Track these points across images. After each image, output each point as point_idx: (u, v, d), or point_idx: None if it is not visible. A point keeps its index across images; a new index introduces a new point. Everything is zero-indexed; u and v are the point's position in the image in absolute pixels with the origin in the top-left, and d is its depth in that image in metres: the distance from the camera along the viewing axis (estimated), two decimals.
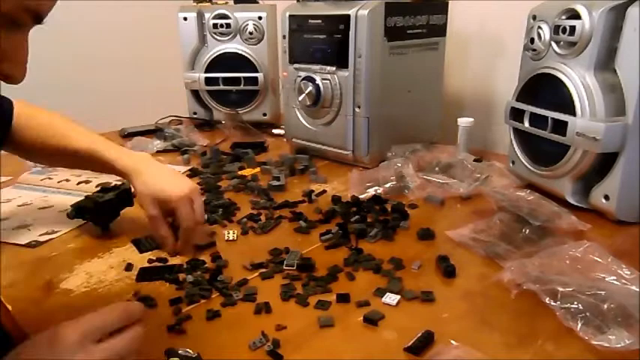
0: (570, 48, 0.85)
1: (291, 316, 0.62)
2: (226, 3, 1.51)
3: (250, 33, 1.45)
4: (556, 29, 0.87)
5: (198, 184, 1.05)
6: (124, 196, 0.86)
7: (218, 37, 1.47)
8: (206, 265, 0.73)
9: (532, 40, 0.92)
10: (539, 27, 0.91)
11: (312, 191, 0.99)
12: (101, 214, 0.83)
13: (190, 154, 1.25)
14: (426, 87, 1.21)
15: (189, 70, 1.49)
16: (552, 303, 0.60)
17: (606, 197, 0.84)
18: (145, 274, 0.71)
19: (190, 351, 0.54)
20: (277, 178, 1.05)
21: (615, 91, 0.80)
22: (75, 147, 0.82)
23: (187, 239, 0.76)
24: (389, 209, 0.91)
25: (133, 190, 0.81)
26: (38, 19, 0.45)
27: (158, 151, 1.30)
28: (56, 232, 0.85)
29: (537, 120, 0.91)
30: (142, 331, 0.50)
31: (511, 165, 1.02)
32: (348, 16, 1.05)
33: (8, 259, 0.76)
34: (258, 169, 1.14)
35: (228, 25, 1.45)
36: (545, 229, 0.78)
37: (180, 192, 0.76)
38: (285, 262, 0.73)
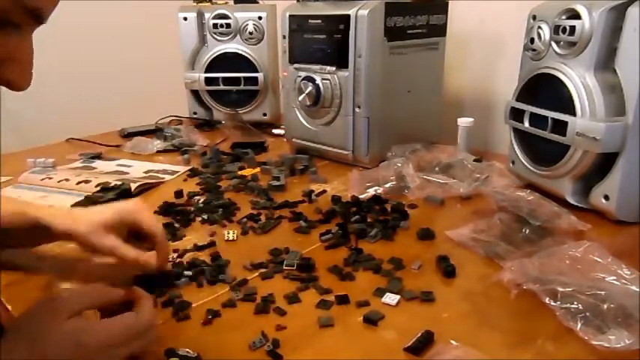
0: (570, 48, 0.85)
1: (291, 316, 0.62)
2: (226, 3, 1.51)
3: (250, 33, 1.45)
4: (556, 29, 0.87)
5: (198, 184, 1.06)
6: (123, 196, 0.86)
7: (218, 37, 1.47)
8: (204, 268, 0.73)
9: (532, 40, 0.92)
10: (539, 27, 0.91)
11: (312, 191, 0.99)
12: None
13: (190, 154, 1.25)
14: (426, 87, 1.21)
15: (189, 70, 1.49)
16: (552, 303, 0.60)
17: (606, 197, 0.84)
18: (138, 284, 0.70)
19: (190, 351, 0.54)
20: (277, 178, 1.05)
21: (615, 91, 0.80)
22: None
23: (165, 249, 0.65)
24: (389, 209, 0.91)
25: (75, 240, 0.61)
26: (38, 18, 0.41)
27: (158, 151, 1.30)
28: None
29: (537, 120, 0.91)
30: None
31: (511, 165, 1.02)
32: (348, 16, 1.05)
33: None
34: (258, 169, 1.14)
35: (228, 25, 1.45)
36: (545, 229, 0.78)
37: (127, 204, 0.64)
38: (285, 262, 0.73)
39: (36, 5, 0.40)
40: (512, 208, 0.83)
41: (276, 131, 1.46)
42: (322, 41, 1.11)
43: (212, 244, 0.80)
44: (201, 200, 0.96)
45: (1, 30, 0.39)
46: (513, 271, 0.65)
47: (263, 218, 0.89)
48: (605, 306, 0.57)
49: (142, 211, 0.64)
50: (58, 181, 1.06)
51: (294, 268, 0.72)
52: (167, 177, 1.11)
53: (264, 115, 1.52)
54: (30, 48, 0.43)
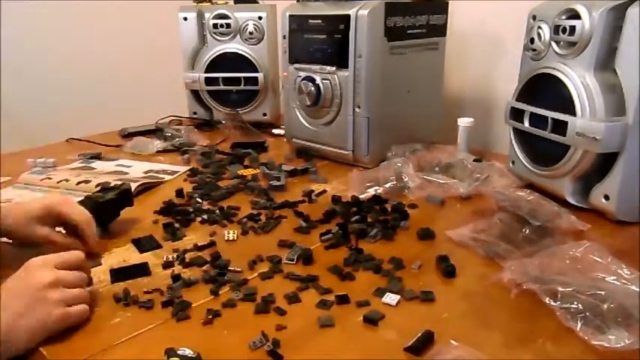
0: (570, 48, 0.85)
1: (291, 316, 0.62)
2: (226, 3, 1.51)
3: (250, 33, 1.45)
4: (556, 29, 0.87)
5: (198, 184, 1.06)
6: (124, 196, 0.86)
7: (218, 37, 1.47)
8: (204, 268, 0.73)
9: (532, 40, 0.93)
10: (539, 27, 0.91)
11: (312, 191, 0.99)
12: (101, 214, 0.83)
13: (190, 154, 1.25)
14: (426, 87, 1.21)
15: (189, 70, 1.49)
16: (552, 303, 0.60)
17: (606, 197, 0.84)
18: (118, 275, 0.70)
19: (190, 351, 0.54)
20: (277, 178, 1.05)
21: (615, 91, 0.81)
22: None
23: (91, 234, 0.75)
24: (389, 209, 0.91)
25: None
26: None
27: (158, 151, 1.30)
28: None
29: (537, 120, 0.91)
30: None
31: (511, 165, 1.02)
32: (348, 16, 1.05)
33: (8, 259, 0.75)
34: (257, 170, 1.14)
35: (228, 25, 1.45)
36: (545, 229, 0.78)
37: (52, 198, 0.79)
38: (285, 257, 0.73)
39: None
40: (512, 208, 0.83)
41: (276, 131, 1.46)
42: (322, 41, 1.11)
43: (212, 244, 0.80)
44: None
45: None
46: (513, 270, 0.65)
47: (263, 218, 0.89)
48: (605, 306, 0.57)
49: (66, 204, 0.74)
50: (58, 181, 1.06)
51: (295, 262, 0.72)
52: (167, 177, 1.11)
53: (264, 115, 1.52)
54: None
